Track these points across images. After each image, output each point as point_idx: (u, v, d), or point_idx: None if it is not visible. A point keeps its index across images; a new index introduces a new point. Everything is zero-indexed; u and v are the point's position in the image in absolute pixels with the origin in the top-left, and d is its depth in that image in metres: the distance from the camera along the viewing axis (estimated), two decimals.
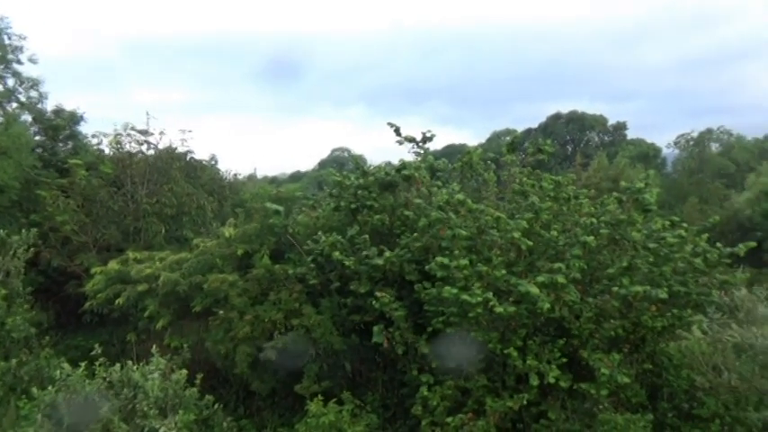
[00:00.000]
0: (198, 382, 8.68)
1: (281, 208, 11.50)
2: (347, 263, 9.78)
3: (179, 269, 11.39)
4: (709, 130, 74.27)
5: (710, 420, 8.61)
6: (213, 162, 20.24)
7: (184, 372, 8.55)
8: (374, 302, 9.21)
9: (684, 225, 9.95)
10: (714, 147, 73.26)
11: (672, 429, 8.72)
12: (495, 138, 74.72)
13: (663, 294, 8.54)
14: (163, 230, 15.95)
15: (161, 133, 17.65)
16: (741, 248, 9.75)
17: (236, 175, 22.02)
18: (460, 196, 9.78)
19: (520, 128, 77.22)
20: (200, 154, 20.41)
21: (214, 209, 17.52)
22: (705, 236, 10.08)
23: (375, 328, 9.24)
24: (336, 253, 9.95)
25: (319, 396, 8.92)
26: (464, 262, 8.65)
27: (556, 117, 79.77)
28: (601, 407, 8.47)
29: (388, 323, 9.33)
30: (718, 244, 9.92)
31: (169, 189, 16.65)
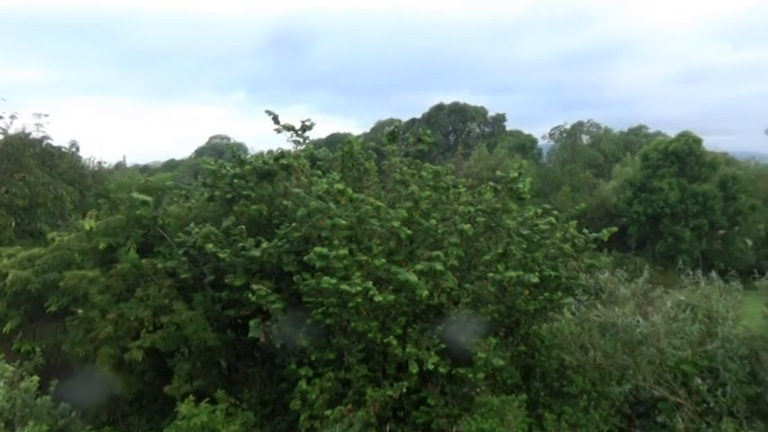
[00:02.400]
0: (52, 389, 8.05)
1: (149, 198, 10.89)
2: (222, 255, 9.45)
3: (31, 266, 10.44)
4: (581, 123, 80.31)
5: (579, 396, 9.26)
6: (74, 149, 18.75)
7: (36, 378, 7.91)
8: (250, 296, 8.97)
9: (555, 212, 10.56)
10: (585, 139, 79.33)
11: (544, 407, 9.27)
12: (380, 127, 75.94)
13: (534, 279, 9.04)
14: (13, 224, 14.55)
15: (12, 117, 16.11)
16: (605, 234, 10.55)
17: (100, 163, 20.55)
18: (340, 185, 9.76)
19: (404, 118, 79.20)
20: (61, 140, 18.81)
21: (74, 200, 16.23)
22: (574, 222, 10.79)
23: (251, 323, 9.01)
24: (210, 245, 9.58)
25: (191, 396, 8.58)
26: (343, 252, 8.65)
27: (438, 108, 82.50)
28: (478, 390, 8.85)
29: (266, 316, 9.14)
30: (585, 230, 10.66)
31: (21, 178, 15.22)
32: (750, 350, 9.12)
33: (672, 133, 50.03)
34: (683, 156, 44.82)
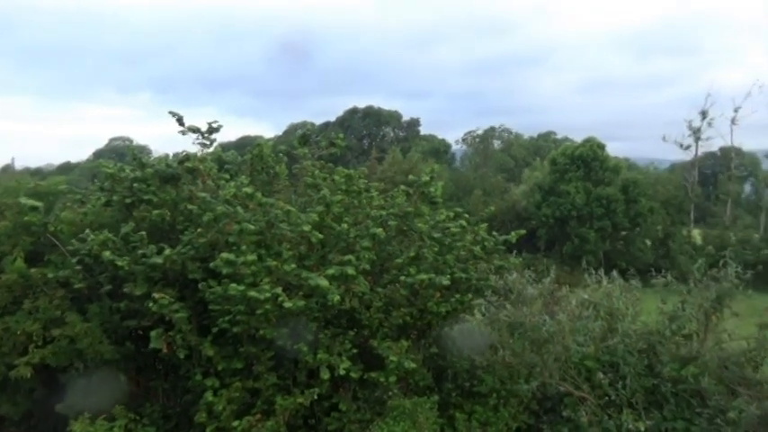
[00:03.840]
0: None
1: (39, 203, 10.29)
2: (120, 263, 9.03)
3: None
4: (493, 129, 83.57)
5: (489, 395, 9.53)
6: None
7: None
8: (151, 305, 8.62)
9: (466, 216, 10.84)
10: (497, 144, 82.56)
11: (455, 407, 9.47)
12: (293, 130, 75.53)
13: (446, 281, 9.24)
14: None
15: None
16: (513, 236, 10.96)
17: None
18: (249, 189, 9.62)
19: (318, 121, 79.36)
20: None
21: None
22: (484, 225, 11.12)
23: (153, 333, 8.67)
24: (107, 253, 9.14)
25: (85, 414, 8.14)
26: (252, 257, 8.51)
27: (353, 111, 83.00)
28: (390, 393, 8.92)
29: (169, 326, 8.82)
30: (495, 233, 11.01)
31: None
32: (648, 344, 9.72)
33: (578, 139, 52.64)
34: (589, 161, 47.20)
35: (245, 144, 46.19)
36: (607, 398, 9.08)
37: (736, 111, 51.70)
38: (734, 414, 8.22)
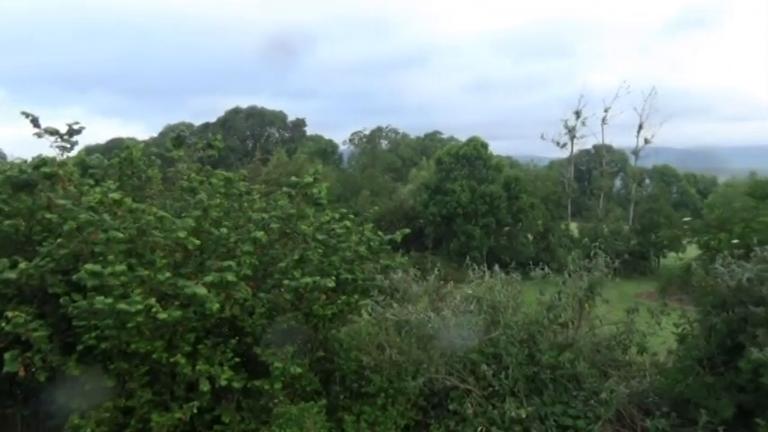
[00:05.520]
0: None
1: None
2: None
3: None
4: (380, 129, 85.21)
5: (377, 395, 9.62)
6: None
7: None
8: (5, 324, 7.94)
9: (351, 216, 10.89)
10: (384, 144, 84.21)
11: (344, 410, 9.48)
12: (169, 132, 72.78)
13: (330, 283, 9.21)
14: None
15: None
16: (398, 235, 11.14)
17: None
18: (116, 195, 9.09)
19: (198, 122, 76.91)
20: None
21: None
22: (370, 225, 11.23)
23: (7, 356, 7.98)
24: None
25: None
26: (121, 267, 8.06)
27: (235, 112, 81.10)
28: (276, 401, 8.79)
29: (27, 347, 8.16)
30: (380, 232, 11.16)
31: None
32: (528, 334, 10.23)
33: (464, 138, 54.83)
34: (473, 160, 49.32)
35: (116, 146, 43.87)
36: (491, 388, 9.47)
37: (606, 111, 56.02)
38: (606, 394, 8.85)
